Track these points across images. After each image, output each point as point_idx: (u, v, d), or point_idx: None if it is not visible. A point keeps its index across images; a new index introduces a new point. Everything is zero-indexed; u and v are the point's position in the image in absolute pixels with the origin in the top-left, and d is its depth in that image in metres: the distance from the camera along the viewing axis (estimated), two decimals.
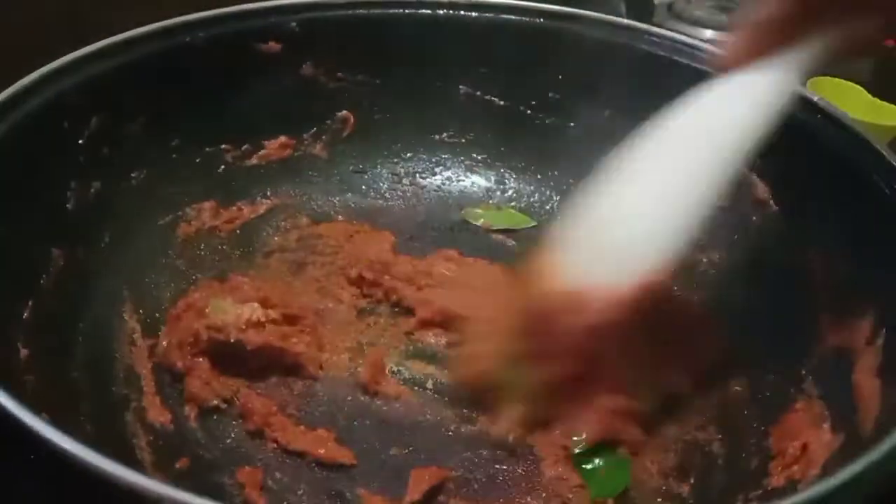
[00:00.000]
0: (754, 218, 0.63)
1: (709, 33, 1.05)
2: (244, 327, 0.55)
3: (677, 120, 0.51)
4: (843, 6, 0.46)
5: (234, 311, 0.56)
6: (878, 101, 0.85)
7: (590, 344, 0.50)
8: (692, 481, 0.51)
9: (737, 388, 0.57)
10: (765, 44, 0.47)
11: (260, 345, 0.55)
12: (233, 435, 0.53)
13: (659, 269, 0.50)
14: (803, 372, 0.53)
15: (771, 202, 0.62)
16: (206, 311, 0.56)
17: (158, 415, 0.53)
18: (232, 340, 0.55)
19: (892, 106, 0.84)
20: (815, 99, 0.60)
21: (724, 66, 0.49)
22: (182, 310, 0.58)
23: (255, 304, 0.56)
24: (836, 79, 0.86)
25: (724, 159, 0.49)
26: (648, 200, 0.50)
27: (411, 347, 0.60)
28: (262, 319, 0.56)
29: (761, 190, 0.62)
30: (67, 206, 0.57)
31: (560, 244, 0.52)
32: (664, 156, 0.51)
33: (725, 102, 0.50)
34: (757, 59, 0.48)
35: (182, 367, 0.55)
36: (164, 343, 0.57)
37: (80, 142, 0.59)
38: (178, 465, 0.50)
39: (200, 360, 0.55)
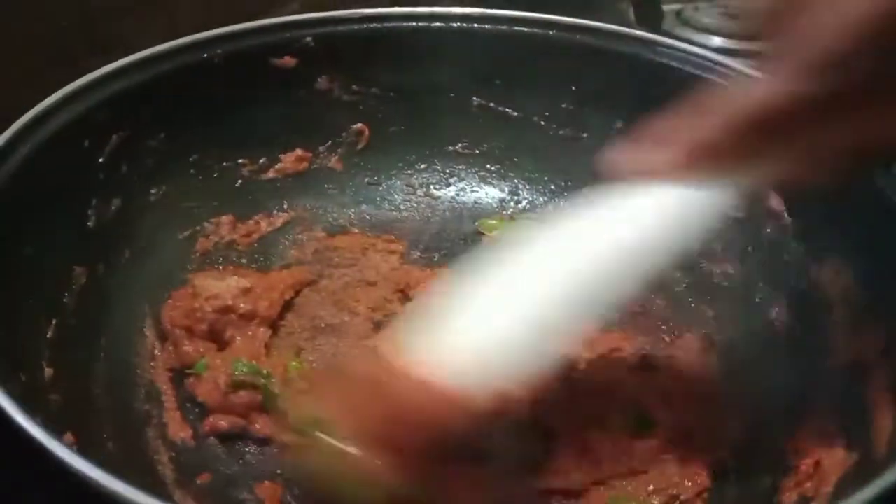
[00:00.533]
0: (768, 230, 0.63)
1: (717, 40, 1.04)
2: (236, 294, 0.59)
3: (579, 223, 0.44)
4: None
5: (219, 284, 0.60)
6: None
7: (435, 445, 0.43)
8: (705, 496, 0.52)
9: (751, 403, 0.57)
10: (692, 167, 0.40)
11: None
12: (252, 450, 0.54)
13: (523, 383, 0.43)
14: (818, 387, 0.54)
15: (785, 214, 0.62)
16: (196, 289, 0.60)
17: (179, 430, 0.54)
18: (230, 303, 0.58)
19: None
20: None
21: (631, 177, 0.42)
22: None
23: (234, 277, 0.61)
24: None
25: (622, 276, 0.43)
26: (526, 309, 0.43)
27: None
28: (247, 286, 0.60)
29: (775, 202, 0.62)
30: (88, 223, 0.58)
31: (422, 336, 0.44)
32: (553, 261, 0.44)
33: (638, 213, 0.43)
34: (682, 179, 0.41)
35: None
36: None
37: (101, 160, 0.60)
38: (199, 481, 0.51)
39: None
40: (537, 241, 0.45)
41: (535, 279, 0.44)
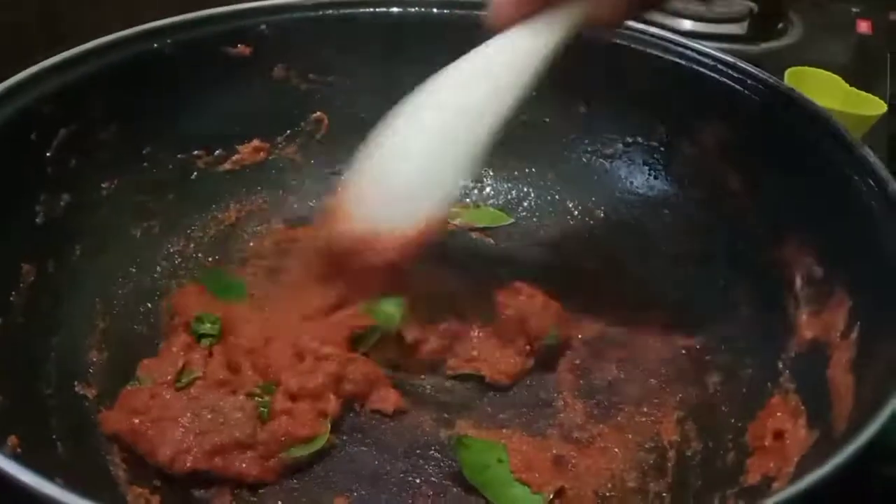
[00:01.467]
0: (729, 210, 0.63)
1: (688, 24, 1.04)
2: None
3: (450, 74, 0.56)
4: None
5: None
6: (855, 90, 0.85)
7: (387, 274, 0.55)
8: (669, 480, 0.51)
9: (713, 384, 0.57)
10: (526, 7, 0.53)
11: None
12: None
13: (438, 212, 0.55)
14: (780, 366, 0.54)
15: (745, 194, 0.62)
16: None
17: None
18: None
19: (870, 96, 0.84)
20: (790, 91, 0.60)
21: (494, 26, 0.54)
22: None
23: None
24: (815, 69, 0.86)
25: (490, 107, 0.54)
26: (424, 146, 0.55)
27: None
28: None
29: (735, 183, 0.62)
30: (37, 219, 0.56)
31: (351, 189, 0.56)
32: (439, 104, 0.55)
33: (493, 58, 0.55)
34: (520, 20, 0.53)
35: None
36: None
37: (49, 154, 0.58)
38: (154, 482, 0.49)
39: None
40: (424, 92, 0.56)
41: (431, 119, 0.55)
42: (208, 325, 0.56)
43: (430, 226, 0.54)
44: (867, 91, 0.84)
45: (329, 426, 0.52)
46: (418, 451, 0.53)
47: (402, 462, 0.52)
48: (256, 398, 0.52)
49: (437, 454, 0.53)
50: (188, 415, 0.50)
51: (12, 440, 0.42)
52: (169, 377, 0.53)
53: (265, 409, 0.51)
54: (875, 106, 0.82)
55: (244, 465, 0.49)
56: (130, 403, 0.51)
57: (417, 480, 0.51)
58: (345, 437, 0.53)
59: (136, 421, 0.50)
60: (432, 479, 0.51)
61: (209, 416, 0.50)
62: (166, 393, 0.52)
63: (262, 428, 0.50)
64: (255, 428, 0.50)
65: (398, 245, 0.54)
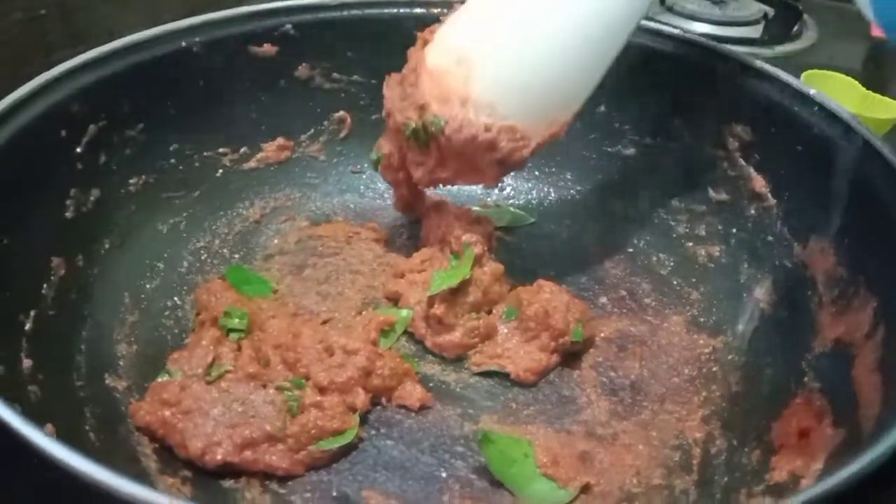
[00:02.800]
0: (752, 211, 0.63)
1: (702, 27, 1.05)
2: None
3: None
4: None
5: None
6: (871, 93, 0.85)
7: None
8: (695, 477, 0.52)
9: (736, 382, 0.57)
10: None
11: None
12: None
13: (569, 115, 0.58)
14: (804, 366, 0.54)
15: (769, 195, 0.62)
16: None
17: None
18: None
19: (886, 99, 0.84)
20: (812, 93, 0.60)
21: None
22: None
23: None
24: (830, 72, 0.86)
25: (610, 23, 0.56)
26: (554, 45, 0.56)
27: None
28: None
29: (759, 183, 0.63)
30: (67, 214, 0.57)
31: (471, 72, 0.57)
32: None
33: None
34: None
35: None
36: None
37: (79, 150, 0.59)
38: (184, 472, 0.50)
39: None
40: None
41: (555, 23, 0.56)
42: (236, 321, 0.56)
43: (558, 127, 0.57)
44: (882, 94, 0.85)
45: (358, 420, 0.53)
46: (444, 446, 0.53)
47: (428, 456, 0.52)
48: (286, 392, 0.52)
49: (462, 449, 0.53)
50: (219, 408, 0.51)
51: (49, 428, 0.43)
52: (199, 370, 0.53)
53: (295, 403, 0.52)
54: (891, 109, 0.83)
55: (274, 458, 0.50)
56: (161, 395, 0.51)
57: (444, 474, 0.51)
58: (372, 432, 0.54)
59: (167, 413, 0.51)
60: (459, 473, 0.51)
61: (240, 410, 0.51)
62: (197, 386, 0.52)
63: (291, 421, 0.51)
64: (284, 421, 0.51)
65: (526, 142, 0.56)
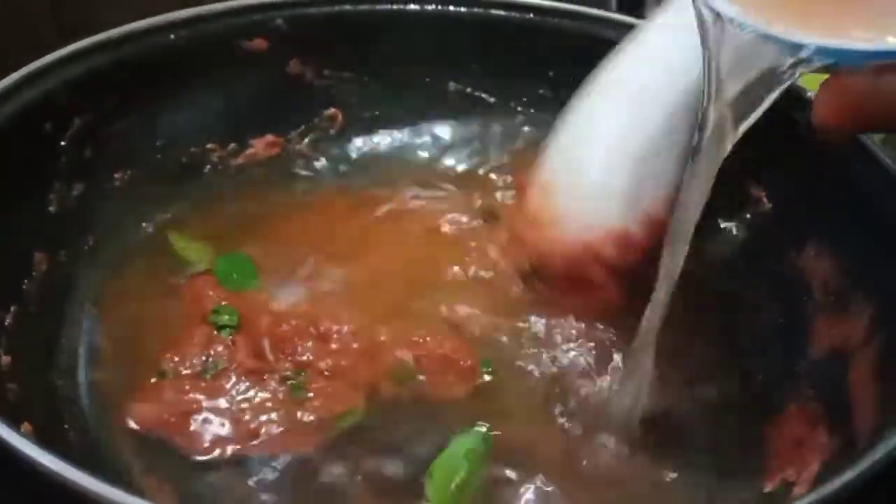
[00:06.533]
0: (748, 216, 0.63)
1: None
2: None
3: (633, 60, 0.54)
4: None
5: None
6: None
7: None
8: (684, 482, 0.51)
9: (729, 388, 0.56)
10: None
11: None
12: None
13: (662, 204, 0.53)
14: (798, 372, 0.53)
15: (764, 199, 0.62)
16: None
17: None
18: None
19: None
20: (810, 95, 0.60)
21: None
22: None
23: None
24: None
25: (677, 98, 0.52)
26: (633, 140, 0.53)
27: None
28: None
29: (755, 189, 0.62)
30: (50, 208, 0.56)
31: (550, 191, 0.54)
32: (631, 92, 0.54)
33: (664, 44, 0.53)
34: None
35: None
36: None
37: (63, 143, 0.58)
38: (168, 470, 0.49)
39: None
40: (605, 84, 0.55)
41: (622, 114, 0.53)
42: (226, 317, 0.56)
43: (649, 225, 0.53)
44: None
45: (363, 401, 0.52)
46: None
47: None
48: (289, 382, 0.52)
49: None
50: (222, 404, 0.51)
51: (26, 427, 0.42)
52: (196, 369, 0.53)
53: (299, 391, 0.52)
54: None
55: (282, 446, 0.49)
56: (161, 397, 0.51)
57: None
58: (377, 411, 0.53)
59: (170, 415, 0.50)
60: None
61: (243, 404, 0.51)
62: (195, 385, 0.52)
63: (296, 408, 0.51)
64: (289, 409, 0.51)
65: (622, 242, 0.52)
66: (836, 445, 0.46)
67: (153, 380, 0.53)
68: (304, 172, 0.72)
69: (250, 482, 0.48)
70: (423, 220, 0.68)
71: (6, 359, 0.47)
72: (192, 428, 0.50)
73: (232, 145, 0.69)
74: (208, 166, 0.68)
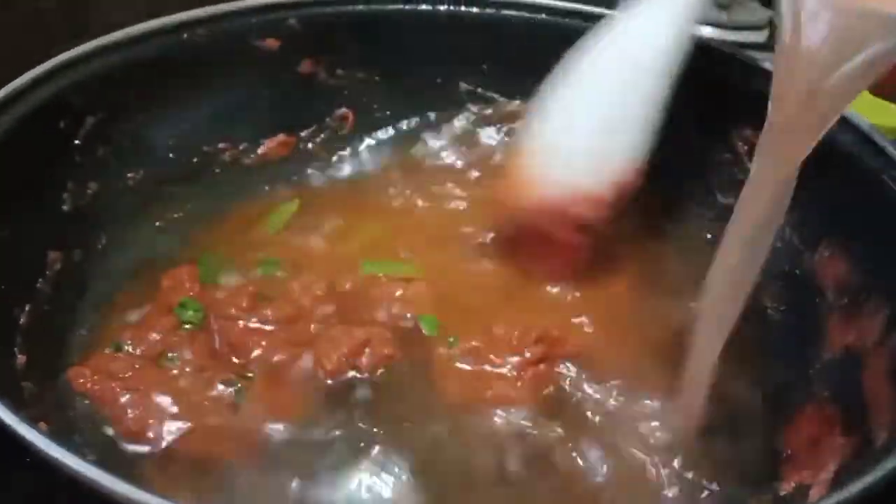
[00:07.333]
0: None
1: (707, 30, 1.04)
2: None
3: (606, 42, 0.60)
4: None
5: None
6: (880, 100, 0.84)
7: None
8: (703, 484, 0.51)
9: (745, 389, 0.56)
10: None
11: None
12: None
13: (629, 170, 0.59)
14: (811, 372, 0.53)
15: None
16: None
17: None
18: None
19: (895, 106, 0.83)
20: None
21: None
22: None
23: None
24: None
25: (655, 70, 0.58)
26: (602, 100, 0.59)
27: None
28: None
29: None
30: (64, 207, 0.56)
31: (529, 155, 0.60)
32: (603, 70, 0.60)
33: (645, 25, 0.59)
34: None
35: None
36: None
37: (77, 142, 0.58)
38: (177, 471, 0.49)
39: None
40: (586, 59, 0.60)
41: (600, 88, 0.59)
42: (190, 313, 0.56)
43: (618, 184, 0.58)
44: (892, 101, 0.84)
45: (312, 408, 0.52)
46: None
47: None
48: (236, 384, 0.52)
49: None
50: (164, 393, 0.51)
51: (42, 425, 0.41)
52: (151, 353, 0.53)
53: (242, 395, 0.52)
54: None
55: (216, 448, 0.49)
56: (108, 366, 0.51)
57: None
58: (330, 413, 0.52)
59: (111, 384, 0.50)
60: None
61: (186, 399, 0.51)
62: (145, 367, 0.52)
63: (237, 412, 0.51)
64: (230, 412, 0.51)
65: (591, 202, 0.57)
66: (852, 447, 0.45)
67: (107, 350, 0.53)
68: (315, 172, 0.72)
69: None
70: (435, 219, 0.68)
71: (21, 357, 0.47)
72: (127, 403, 0.50)
73: (244, 145, 0.69)
74: (220, 165, 0.68)
